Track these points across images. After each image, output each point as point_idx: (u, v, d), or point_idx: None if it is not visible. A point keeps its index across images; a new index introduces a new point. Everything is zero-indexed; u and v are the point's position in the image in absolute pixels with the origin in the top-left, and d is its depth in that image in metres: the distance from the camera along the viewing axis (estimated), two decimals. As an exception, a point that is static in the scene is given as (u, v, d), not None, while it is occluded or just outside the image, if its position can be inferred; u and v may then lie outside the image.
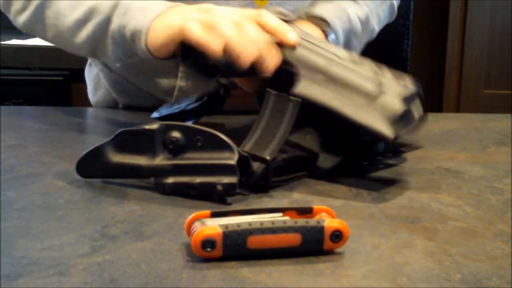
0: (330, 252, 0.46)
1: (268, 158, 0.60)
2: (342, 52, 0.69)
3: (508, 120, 0.98)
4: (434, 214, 0.55)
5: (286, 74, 0.68)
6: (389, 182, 0.65)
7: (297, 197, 0.59)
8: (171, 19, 0.72)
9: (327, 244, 0.45)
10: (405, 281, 0.42)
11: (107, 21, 0.78)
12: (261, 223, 0.45)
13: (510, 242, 0.49)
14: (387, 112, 0.63)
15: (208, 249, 0.44)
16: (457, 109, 2.76)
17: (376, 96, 0.64)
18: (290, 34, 0.68)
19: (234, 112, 0.83)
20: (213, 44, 0.66)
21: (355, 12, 0.96)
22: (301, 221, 0.45)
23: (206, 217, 0.47)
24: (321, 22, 0.88)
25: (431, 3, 2.81)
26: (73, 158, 0.63)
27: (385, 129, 0.62)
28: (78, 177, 0.62)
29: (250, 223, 0.44)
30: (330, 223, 0.46)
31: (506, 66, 2.66)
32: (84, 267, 0.43)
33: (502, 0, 2.65)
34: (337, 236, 0.45)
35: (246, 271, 0.43)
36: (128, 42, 0.76)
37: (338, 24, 0.91)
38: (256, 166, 0.60)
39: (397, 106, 0.63)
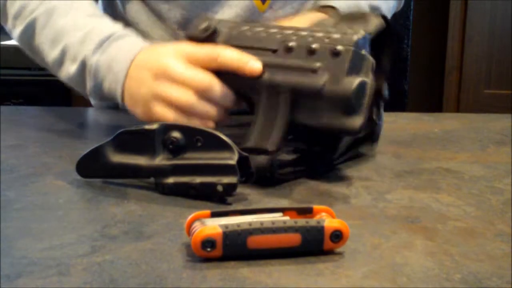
0: (330, 252, 0.46)
1: (270, 149, 0.61)
2: (273, 40, 0.68)
3: (508, 120, 0.98)
4: (434, 214, 0.55)
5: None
6: (389, 182, 0.65)
7: (297, 197, 0.59)
8: (132, 98, 0.74)
9: (327, 244, 0.45)
10: (405, 281, 0.42)
11: (82, 77, 0.80)
12: (261, 223, 0.45)
13: (510, 242, 0.49)
14: (339, 102, 0.62)
15: (208, 249, 0.44)
16: (457, 109, 2.76)
17: (321, 90, 0.62)
18: (251, 64, 0.67)
19: (234, 112, 0.83)
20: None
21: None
22: (301, 221, 0.45)
23: (206, 217, 0.47)
24: (330, 10, 0.88)
25: (431, 3, 2.81)
26: (73, 158, 0.63)
27: (346, 122, 0.62)
28: (78, 177, 0.62)
29: (250, 223, 0.44)
30: (330, 223, 0.46)
31: (506, 66, 2.67)
32: (84, 267, 0.43)
33: (502, 0, 2.65)
34: (337, 236, 0.45)
35: (246, 271, 0.43)
36: (108, 98, 0.79)
37: (346, 10, 0.91)
38: (261, 159, 0.61)
39: (346, 89, 0.61)
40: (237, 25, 0.73)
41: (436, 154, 0.77)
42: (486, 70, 2.71)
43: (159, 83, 0.71)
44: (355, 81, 0.61)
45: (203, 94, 0.69)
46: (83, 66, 0.79)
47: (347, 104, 0.61)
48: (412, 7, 1.39)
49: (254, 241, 0.44)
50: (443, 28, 2.76)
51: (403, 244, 0.48)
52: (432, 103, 2.88)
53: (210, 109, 0.69)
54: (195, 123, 0.69)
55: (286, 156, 0.67)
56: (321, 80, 0.62)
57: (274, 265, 0.44)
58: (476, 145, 0.83)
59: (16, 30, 0.88)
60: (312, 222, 0.45)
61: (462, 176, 0.67)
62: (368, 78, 0.63)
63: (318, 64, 0.63)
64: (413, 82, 2.46)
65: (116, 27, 0.82)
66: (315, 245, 0.45)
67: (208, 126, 0.69)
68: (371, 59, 0.64)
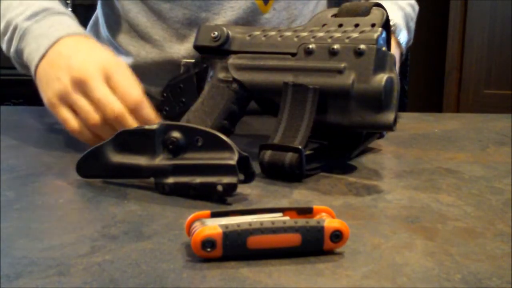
0: (330, 252, 0.46)
1: (299, 147, 0.63)
2: (290, 44, 0.68)
3: (508, 120, 0.98)
4: (434, 214, 0.55)
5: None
6: (389, 182, 0.65)
7: (297, 197, 0.59)
8: (43, 82, 0.75)
9: (327, 244, 0.45)
10: (405, 281, 0.42)
11: (9, 42, 0.82)
12: (261, 223, 0.45)
13: (510, 242, 0.49)
14: (370, 100, 0.63)
15: (208, 249, 0.44)
16: (457, 109, 2.76)
17: (350, 89, 0.63)
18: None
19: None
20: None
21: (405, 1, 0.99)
22: (301, 221, 0.45)
23: (206, 217, 0.47)
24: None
25: (431, 3, 2.81)
26: (73, 158, 0.63)
27: (380, 119, 0.63)
28: (78, 177, 0.62)
29: (250, 223, 0.44)
30: (330, 223, 0.45)
31: (506, 66, 2.67)
32: (84, 267, 0.43)
33: (502, 0, 2.65)
34: (337, 236, 0.45)
35: (246, 271, 0.43)
36: (26, 67, 0.80)
37: (398, 19, 0.92)
38: (290, 156, 0.62)
39: (376, 87, 0.63)
40: (247, 30, 0.72)
41: (436, 154, 0.77)
42: (486, 70, 2.71)
43: (75, 92, 0.70)
44: (383, 78, 0.63)
45: (111, 121, 0.69)
46: (13, 29, 0.80)
47: (379, 101, 0.63)
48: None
49: (254, 241, 0.44)
50: (443, 28, 2.76)
51: (403, 244, 0.48)
52: (432, 103, 2.88)
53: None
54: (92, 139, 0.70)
55: (308, 152, 0.68)
56: (349, 79, 0.63)
57: (274, 265, 0.44)
58: (476, 145, 0.83)
59: None
60: (312, 222, 0.45)
61: (462, 176, 0.67)
62: (393, 74, 0.64)
63: (343, 65, 0.64)
64: (413, 82, 2.46)
65: (55, 3, 0.83)
66: (315, 245, 0.45)
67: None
68: (392, 55, 0.65)
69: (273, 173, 0.64)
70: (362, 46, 0.64)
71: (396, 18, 0.93)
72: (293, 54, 0.68)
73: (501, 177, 0.67)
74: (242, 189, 0.58)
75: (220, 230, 0.44)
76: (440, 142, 0.84)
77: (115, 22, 1.01)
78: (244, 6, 0.95)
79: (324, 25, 0.70)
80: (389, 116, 0.63)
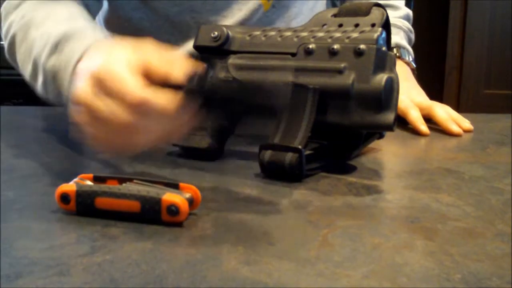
0: (170, 224, 0.49)
1: (299, 147, 0.63)
2: (290, 44, 0.69)
3: (508, 120, 0.98)
4: (434, 214, 0.55)
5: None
6: (389, 182, 0.65)
7: (297, 197, 0.59)
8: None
9: (165, 215, 0.49)
10: (405, 281, 0.42)
11: (50, 85, 0.73)
12: (109, 187, 0.50)
13: (510, 242, 0.49)
14: (370, 100, 0.63)
15: (65, 203, 0.51)
16: (457, 109, 2.75)
17: (350, 89, 0.63)
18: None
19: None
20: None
21: (399, 17, 0.99)
22: (143, 191, 0.50)
23: (89, 179, 0.53)
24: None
25: (431, 3, 2.81)
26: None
27: (379, 119, 0.63)
28: (78, 177, 0.62)
29: (100, 186, 0.51)
30: (168, 196, 0.49)
31: (506, 66, 2.67)
32: (84, 267, 0.43)
33: (502, 0, 2.65)
34: (173, 210, 0.49)
35: (246, 271, 0.43)
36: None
37: (401, 40, 0.94)
38: (291, 156, 0.63)
39: (376, 87, 0.63)
40: (247, 30, 0.72)
41: (436, 154, 0.77)
42: (486, 70, 2.71)
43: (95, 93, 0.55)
44: (383, 78, 0.63)
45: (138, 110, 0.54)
46: (45, 75, 0.72)
47: (379, 101, 0.63)
48: (412, 7, 1.39)
49: (101, 202, 0.50)
50: (443, 28, 2.76)
51: (403, 244, 0.48)
52: (432, 103, 2.88)
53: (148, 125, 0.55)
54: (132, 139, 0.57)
55: (308, 152, 0.68)
56: (349, 79, 0.64)
57: (274, 265, 0.44)
58: (476, 145, 0.83)
59: (5, 49, 0.83)
60: (152, 193, 0.49)
61: (462, 176, 0.67)
62: (393, 74, 0.64)
63: (343, 65, 0.64)
64: (413, 82, 2.46)
65: (67, 26, 0.73)
66: (153, 215, 0.50)
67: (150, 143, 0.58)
68: (392, 55, 0.66)
69: (273, 173, 0.64)
70: (362, 46, 0.64)
71: (398, 39, 0.94)
72: (293, 54, 0.68)
73: (501, 177, 0.67)
74: (242, 189, 0.58)
75: (74, 188, 0.51)
76: (440, 142, 0.84)
77: (118, 27, 1.01)
78: (252, 7, 0.95)
79: (324, 25, 0.70)
80: (389, 116, 0.63)
